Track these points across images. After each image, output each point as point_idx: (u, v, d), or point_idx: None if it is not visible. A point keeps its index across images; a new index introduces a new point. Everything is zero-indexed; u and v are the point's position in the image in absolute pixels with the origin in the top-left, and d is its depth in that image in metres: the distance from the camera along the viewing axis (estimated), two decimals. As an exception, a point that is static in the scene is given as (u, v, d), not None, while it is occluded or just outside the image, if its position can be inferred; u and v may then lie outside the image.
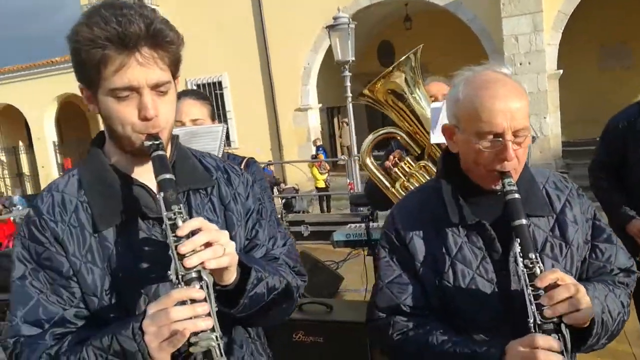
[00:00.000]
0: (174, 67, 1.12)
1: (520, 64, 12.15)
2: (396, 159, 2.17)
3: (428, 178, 2.16)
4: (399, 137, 2.23)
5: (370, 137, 2.22)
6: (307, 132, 14.31)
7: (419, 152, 2.22)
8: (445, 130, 1.33)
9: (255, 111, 14.44)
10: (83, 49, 1.03)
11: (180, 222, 0.99)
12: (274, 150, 14.66)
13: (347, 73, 7.68)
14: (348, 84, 7.74)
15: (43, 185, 16.63)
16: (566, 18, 12.08)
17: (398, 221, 1.36)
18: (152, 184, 1.12)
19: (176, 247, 0.96)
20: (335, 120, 16.70)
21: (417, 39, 15.72)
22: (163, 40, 1.06)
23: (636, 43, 14.32)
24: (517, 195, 1.18)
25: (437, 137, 2.04)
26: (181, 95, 2.03)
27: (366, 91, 2.17)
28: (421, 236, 1.31)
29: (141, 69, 1.04)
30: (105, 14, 1.02)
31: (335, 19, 7.58)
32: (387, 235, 1.37)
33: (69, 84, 10.97)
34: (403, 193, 2.15)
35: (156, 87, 1.07)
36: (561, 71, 12.42)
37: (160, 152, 1.06)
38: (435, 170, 1.47)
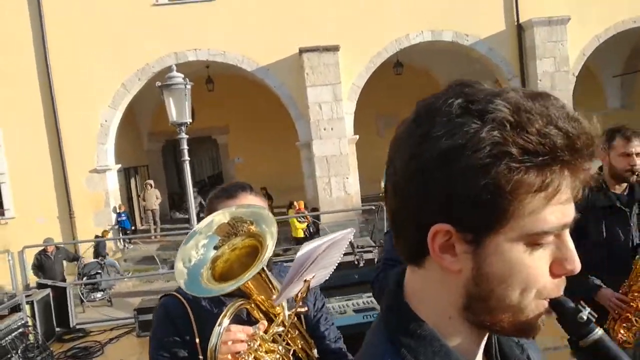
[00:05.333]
0: None
1: (325, 129, 13.08)
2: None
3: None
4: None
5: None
6: (105, 196, 12.73)
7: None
8: None
9: (37, 174, 12.29)
10: (501, 166, 0.60)
11: None
12: (63, 219, 12.59)
13: (183, 135, 7.09)
14: (185, 147, 7.15)
15: None
16: (359, 90, 13.57)
17: None
18: None
19: None
20: (133, 181, 15.30)
21: (220, 101, 15.88)
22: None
23: (408, 113, 16.75)
24: None
25: None
26: (236, 189, 1.50)
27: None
28: None
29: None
30: (534, 107, 0.62)
31: (169, 77, 7.01)
32: None
33: None
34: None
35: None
36: (357, 136, 13.78)
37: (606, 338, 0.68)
38: None
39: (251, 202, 1.45)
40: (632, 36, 14.47)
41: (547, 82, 12.65)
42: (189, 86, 7.09)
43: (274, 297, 1.22)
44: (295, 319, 1.38)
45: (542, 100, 0.63)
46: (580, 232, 2.89)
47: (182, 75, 7.14)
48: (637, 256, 2.85)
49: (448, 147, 0.61)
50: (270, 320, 1.30)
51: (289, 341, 1.30)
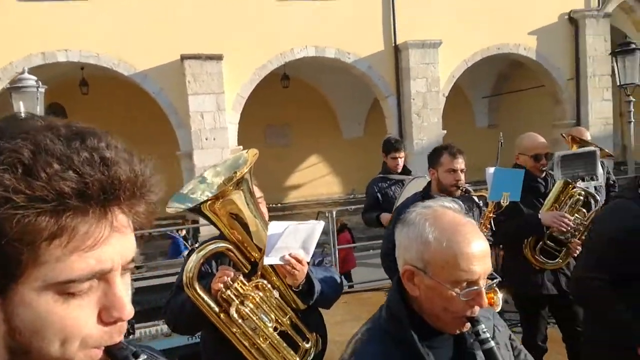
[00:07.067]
0: None
1: (206, 139, 12.80)
2: (229, 279, 1.91)
3: (262, 297, 1.97)
4: (229, 252, 1.98)
5: (196, 256, 1.89)
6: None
7: (249, 268, 2.02)
8: (405, 273, 1.24)
9: None
10: (5, 212, 0.56)
11: None
12: None
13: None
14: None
15: None
16: (244, 100, 13.45)
17: None
18: None
19: None
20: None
21: (95, 105, 14.96)
22: (149, 189, 0.66)
23: (295, 125, 17.00)
24: (493, 343, 1.19)
25: (270, 259, 1.95)
26: None
27: (207, 212, 1.87)
28: None
29: (120, 238, 0.63)
30: (58, 149, 0.59)
31: (19, 80, 6.41)
32: None
33: None
34: (239, 320, 1.90)
35: (127, 265, 0.66)
36: (241, 147, 13.62)
37: None
38: (389, 318, 1.32)
39: None
40: (498, 61, 15.86)
41: (420, 102, 13.43)
42: (42, 89, 6.56)
43: None
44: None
45: (77, 142, 0.60)
46: None
47: (35, 78, 6.59)
48: None
49: None
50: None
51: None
